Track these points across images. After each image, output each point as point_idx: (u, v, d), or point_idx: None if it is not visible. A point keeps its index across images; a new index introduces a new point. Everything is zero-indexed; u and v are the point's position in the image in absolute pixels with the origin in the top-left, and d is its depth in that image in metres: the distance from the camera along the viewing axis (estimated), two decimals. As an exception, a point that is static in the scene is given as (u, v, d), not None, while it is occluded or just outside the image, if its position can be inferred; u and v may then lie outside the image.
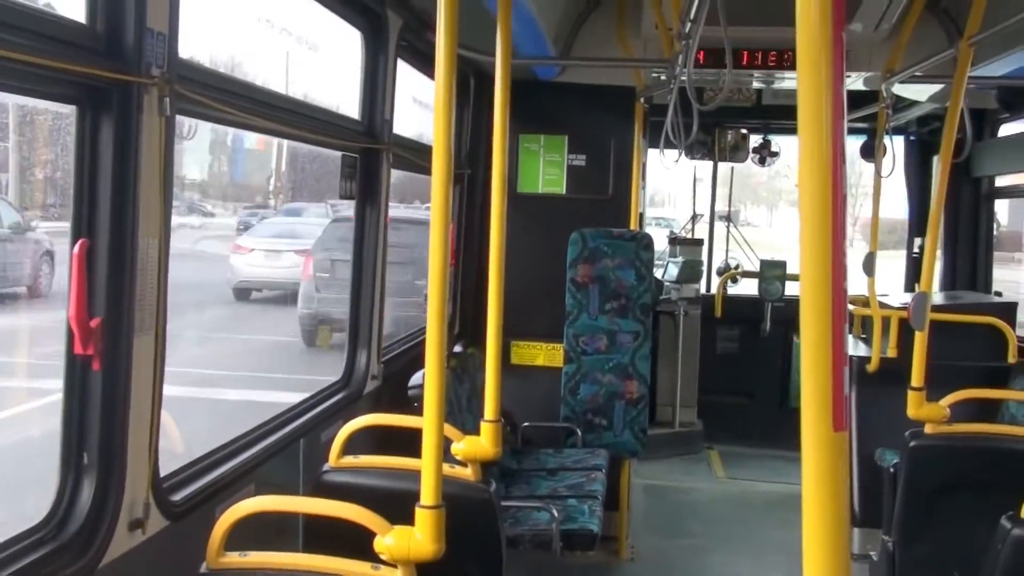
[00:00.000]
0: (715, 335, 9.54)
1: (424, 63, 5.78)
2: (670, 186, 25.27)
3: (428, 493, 2.67)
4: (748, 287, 9.79)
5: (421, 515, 2.64)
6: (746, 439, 8.98)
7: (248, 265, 11.48)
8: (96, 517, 2.62)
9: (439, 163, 2.71)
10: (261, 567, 2.65)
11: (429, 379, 2.72)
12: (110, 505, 2.65)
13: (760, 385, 9.55)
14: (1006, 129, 7.96)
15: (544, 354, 6.94)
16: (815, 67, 1.33)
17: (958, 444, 4.39)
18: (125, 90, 2.65)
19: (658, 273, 8.72)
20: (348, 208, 5.15)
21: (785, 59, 5.82)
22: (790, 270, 9.41)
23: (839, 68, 1.32)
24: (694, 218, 10.57)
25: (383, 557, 2.61)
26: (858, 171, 12.77)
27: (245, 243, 11.61)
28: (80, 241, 2.61)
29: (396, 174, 5.41)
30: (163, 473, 2.98)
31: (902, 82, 6.02)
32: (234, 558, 2.65)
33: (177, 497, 3.03)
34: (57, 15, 2.51)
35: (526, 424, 6.40)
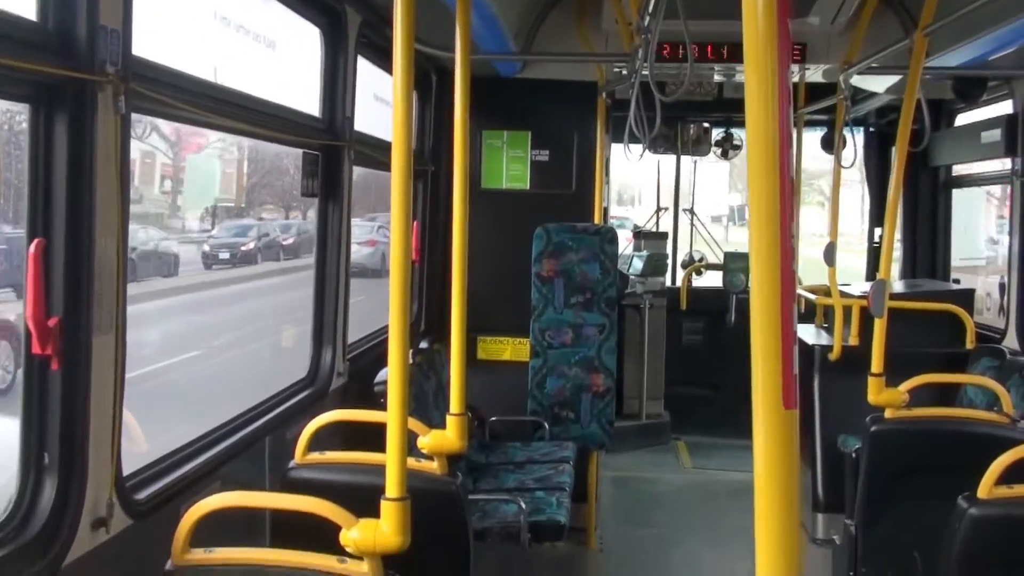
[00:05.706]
0: (680, 327, 9.60)
1: (385, 60, 5.76)
2: (640, 182, 24.94)
3: (393, 485, 2.67)
4: (712, 280, 9.87)
5: (386, 507, 2.65)
6: (712, 429, 9.04)
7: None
8: (58, 517, 2.60)
9: (398, 159, 2.71)
10: (227, 563, 2.64)
11: (392, 371, 2.72)
12: (72, 504, 2.63)
13: (725, 376, 9.61)
14: (963, 119, 8.09)
15: (511, 348, 6.96)
16: (761, 57, 1.35)
17: (917, 428, 4.47)
18: (79, 88, 2.63)
19: (623, 267, 8.76)
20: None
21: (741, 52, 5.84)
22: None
23: (785, 57, 1.35)
24: (658, 212, 10.64)
25: (349, 550, 2.61)
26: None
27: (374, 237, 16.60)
28: (36, 240, 2.59)
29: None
30: (126, 472, 2.96)
31: (860, 74, 6.10)
32: (199, 554, 2.64)
33: (141, 496, 3.01)
34: (7, 12, 2.48)
35: (493, 418, 6.42)
